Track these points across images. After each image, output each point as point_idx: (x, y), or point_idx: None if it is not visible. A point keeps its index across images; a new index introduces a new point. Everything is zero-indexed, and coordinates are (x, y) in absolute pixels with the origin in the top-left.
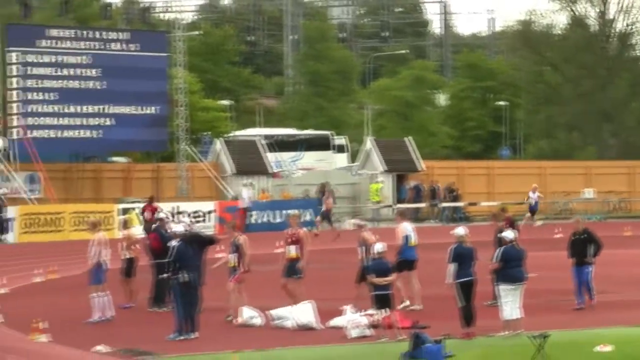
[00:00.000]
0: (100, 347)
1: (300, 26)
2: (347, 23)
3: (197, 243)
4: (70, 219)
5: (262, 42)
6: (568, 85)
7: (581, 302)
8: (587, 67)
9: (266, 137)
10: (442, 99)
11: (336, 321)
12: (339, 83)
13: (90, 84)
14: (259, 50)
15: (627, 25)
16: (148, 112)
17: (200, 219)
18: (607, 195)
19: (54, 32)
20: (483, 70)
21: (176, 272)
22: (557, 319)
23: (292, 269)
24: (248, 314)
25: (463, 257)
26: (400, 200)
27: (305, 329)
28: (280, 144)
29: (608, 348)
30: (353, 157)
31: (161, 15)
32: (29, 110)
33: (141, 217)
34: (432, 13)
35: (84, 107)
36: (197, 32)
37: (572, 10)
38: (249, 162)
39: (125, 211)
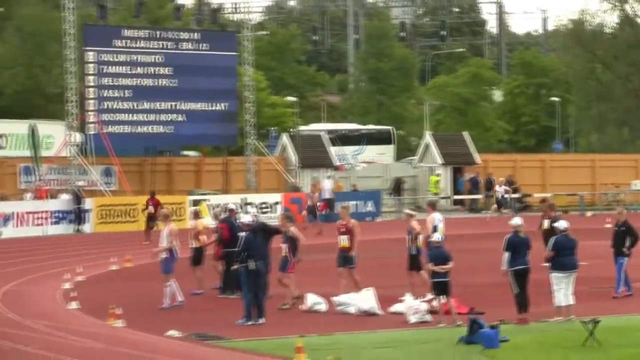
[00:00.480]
0: (172, 332)
1: (362, 26)
2: (407, 23)
3: (263, 233)
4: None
5: (326, 42)
6: (618, 82)
7: (619, 291)
8: (637, 64)
9: (330, 131)
10: (497, 95)
11: (397, 307)
12: (399, 80)
13: (163, 82)
14: (323, 49)
15: None
16: (218, 108)
17: (267, 210)
18: None
19: (128, 33)
20: (537, 67)
21: (244, 260)
22: (607, 305)
23: (344, 258)
24: (313, 301)
25: (518, 246)
26: (457, 191)
27: (367, 314)
28: (343, 138)
29: None
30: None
31: (230, 16)
32: (105, 106)
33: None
34: (488, 13)
35: (157, 104)
36: (264, 32)
37: (622, 10)
38: (314, 156)
39: (195, 203)
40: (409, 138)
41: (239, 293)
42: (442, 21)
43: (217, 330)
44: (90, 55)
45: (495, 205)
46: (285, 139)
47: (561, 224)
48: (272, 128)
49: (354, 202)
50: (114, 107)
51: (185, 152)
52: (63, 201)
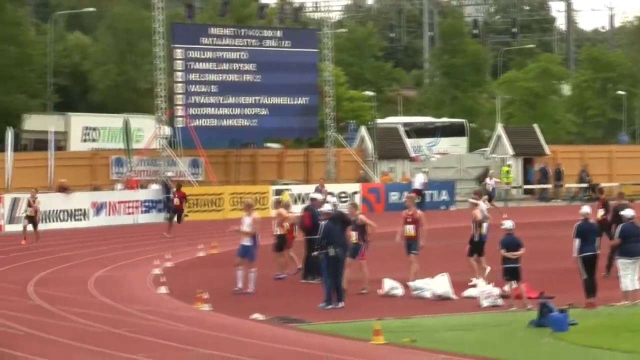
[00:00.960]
0: (256, 315)
1: (436, 24)
2: (479, 20)
3: (342, 222)
4: (229, 199)
5: (402, 39)
6: None
7: None
8: None
9: (406, 124)
10: (566, 89)
11: (470, 292)
12: (472, 75)
13: (247, 78)
14: (399, 46)
15: None
16: (299, 102)
17: (346, 199)
18: None
19: (214, 31)
20: (603, 62)
21: (324, 247)
22: None
23: (410, 246)
24: (390, 285)
25: (587, 233)
26: (527, 181)
27: (442, 299)
28: (418, 131)
29: None
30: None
31: (311, 14)
32: (192, 101)
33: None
34: (557, 11)
35: (242, 98)
36: (343, 30)
37: None
38: (390, 148)
39: (278, 192)
40: (481, 130)
41: (320, 278)
42: (513, 19)
43: (298, 313)
44: (179, 53)
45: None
46: (363, 131)
47: (628, 213)
48: (351, 121)
49: (429, 192)
50: (201, 101)
51: (268, 144)
52: (152, 191)
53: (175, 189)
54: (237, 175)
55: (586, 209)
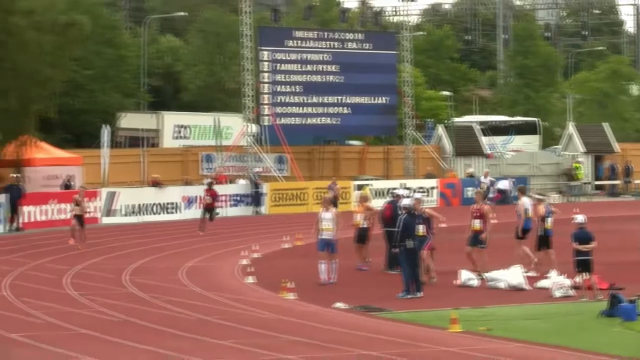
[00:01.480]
0: (339, 304)
1: (510, 27)
2: (551, 24)
3: (420, 215)
4: (312, 194)
5: (478, 41)
6: None
7: None
8: None
9: (481, 123)
10: (634, 89)
11: (542, 283)
12: (544, 76)
13: (330, 78)
14: (474, 48)
15: None
16: (379, 102)
17: (424, 194)
18: None
19: (299, 34)
20: None
21: (403, 240)
22: None
23: (476, 239)
24: (466, 276)
25: None
26: (597, 177)
27: (516, 289)
28: (493, 129)
29: None
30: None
31: (391, 18)
32: (278, 100)
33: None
34: (626, 14)
35: (325, 98)
36: (421, 33)
37: None
38: (466, 145)
39: (360, 187)
40: (553, 128)
41: (399, 269)
42: (584, 22)
43: (379, 302)
44: (265, 54)
45: None
46: (440, 129)
47: None
48: (429, 120)
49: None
50: (286, 100)
51: (350, 142)
52: (240, 186)
53: (207, 187)
54: (321, 170)
55: None
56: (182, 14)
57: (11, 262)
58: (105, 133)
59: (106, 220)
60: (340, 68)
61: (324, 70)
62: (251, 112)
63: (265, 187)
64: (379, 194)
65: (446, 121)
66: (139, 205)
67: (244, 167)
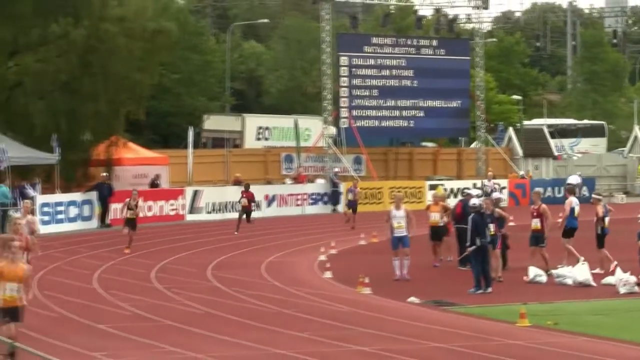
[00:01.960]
0: (412, 298)
1: (579, 34)
2: (618, 31)
3: (488, 215)
4: (388, 193)
5: (547, 47)
6: None
7: None
8: None
9: (550, 125)
10: None
11: (608, 279)
12: (611, 81)
13: (405, 82)
14: (544, 54)
15: None
16: (452, 105)
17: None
18: None
19: (376, 40)
20: None
21: (473, 238)
22: None
23: (536, 238)
24: (535, 273)
25: None
26: None
27: (582, 285)
28: (561, 132)
29: None
30: (610, 143)
31: (464, 25)
32: (355, 104)
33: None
34: None
35: (400, 102)
36: (493, 39)
37: None
38: (536, 147)
39: (433, 187)
40: (619, 132)
41: (470, 266)
42: None
43: (451, 297)
44: (344, 60)
45: None
46: (511, 132)
47: None
48: (500, 122)
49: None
50: (363, 104)
51: (424, 143)
52: (319, 185)
53: (244, 189)
54: (396, 171)
55: None
56: (264, 21)
57: (100, 257)
58: (191, 134)
59: (190, 217)
60: (415, 73)
61: (400, 75)
62: (330, 114)
63: (343, 187)
64: (452, 193)
65: (516, 124)
66: (222, 203)
67: (322, 167)
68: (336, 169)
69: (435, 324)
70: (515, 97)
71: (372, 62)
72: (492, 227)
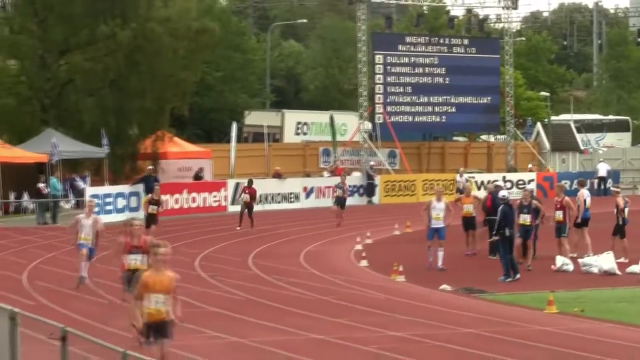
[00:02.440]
0: (444, 286)
1: (604, 32)
2: None
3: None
4: (421, 185)
5: (574, 46)
6: None
7: None
8: None
9: (576, 121)
10: None
11: (633, 268)
12: (636, 78)
13: (438, 80)
14: (571, 52)
15: None
16: (483, 101)
17: (523, 186)
18: None
19: (410, 39)
20: None
21: (502, 228)
22: None
23: (559, 230)
24: (562, 261)
25: None
26: None
27: (608, 274)
28: (587, 127)
29: None
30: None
31: (494, 25)
32: (390, 100)
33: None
34: None
35: (432, 98)
36: (522, 38)
37: None
38: (563, 141)
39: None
40: None
41: (499, 255)
42: None
43: (482, 285)
44: (379, 58)
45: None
46: (539, 127)
47: None
48: (528, 118)
49: (596, 180)
50: (397, 100)
51: (456, 138)
52: (355, 177)
53: (246, 185)
54: (428, 164)
55: None
56: (303, 21)
57: None
58: (234, 129)
59: (232, 208)
60: (447, 70)
61: (432, 72)
62: (365, 110)
63: (378, 179)
64: (482, 185)
65: (544, 119)
66: (262, 195)
67: (358, 160)
68: (372, 163)
69: (467, 311)
70: (543, 93)
71: (406, 60)
72: (528, 218)
